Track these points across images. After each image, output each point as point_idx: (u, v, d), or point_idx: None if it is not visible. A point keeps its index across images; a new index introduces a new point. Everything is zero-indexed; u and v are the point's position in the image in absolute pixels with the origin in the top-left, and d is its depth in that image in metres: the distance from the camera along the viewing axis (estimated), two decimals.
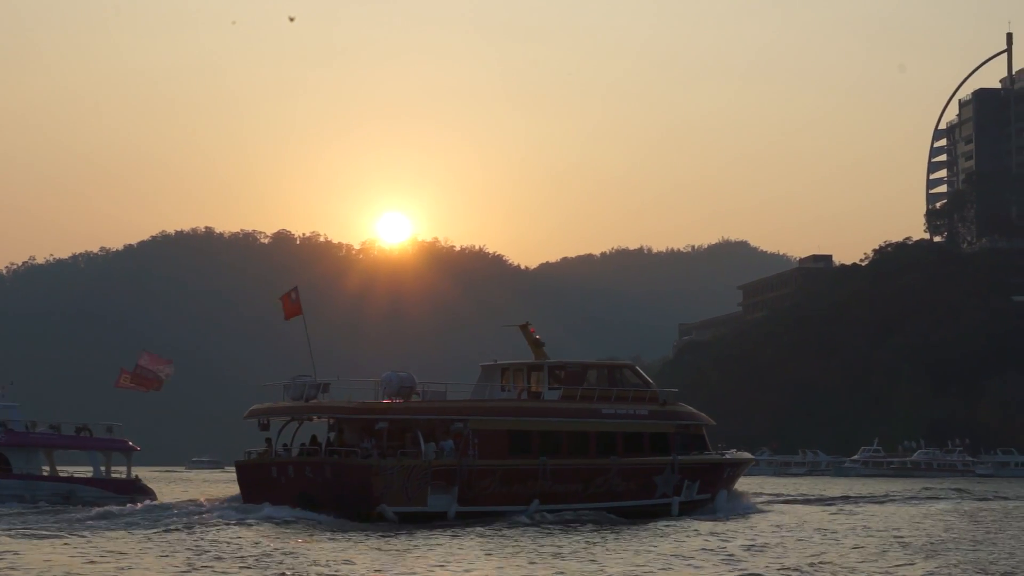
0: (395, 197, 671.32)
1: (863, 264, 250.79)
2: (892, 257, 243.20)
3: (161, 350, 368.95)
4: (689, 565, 37.14)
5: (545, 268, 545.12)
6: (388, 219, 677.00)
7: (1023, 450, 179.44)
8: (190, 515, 50.81)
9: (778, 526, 52.77)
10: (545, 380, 59.42)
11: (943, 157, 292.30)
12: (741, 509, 61.29)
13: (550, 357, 63.06)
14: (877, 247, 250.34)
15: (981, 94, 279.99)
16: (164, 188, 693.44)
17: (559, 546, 42.39)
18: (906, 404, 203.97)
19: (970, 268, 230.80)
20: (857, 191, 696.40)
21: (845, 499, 79.64)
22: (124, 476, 75.67)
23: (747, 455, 70.51)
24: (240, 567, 34.87)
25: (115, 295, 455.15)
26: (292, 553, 38.64)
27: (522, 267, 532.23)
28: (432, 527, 49.20)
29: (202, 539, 42.45)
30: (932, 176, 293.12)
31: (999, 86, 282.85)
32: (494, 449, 55.42)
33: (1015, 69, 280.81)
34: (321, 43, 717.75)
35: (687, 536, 47.19)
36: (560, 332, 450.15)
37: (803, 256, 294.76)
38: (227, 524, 47.55)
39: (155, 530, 45.36)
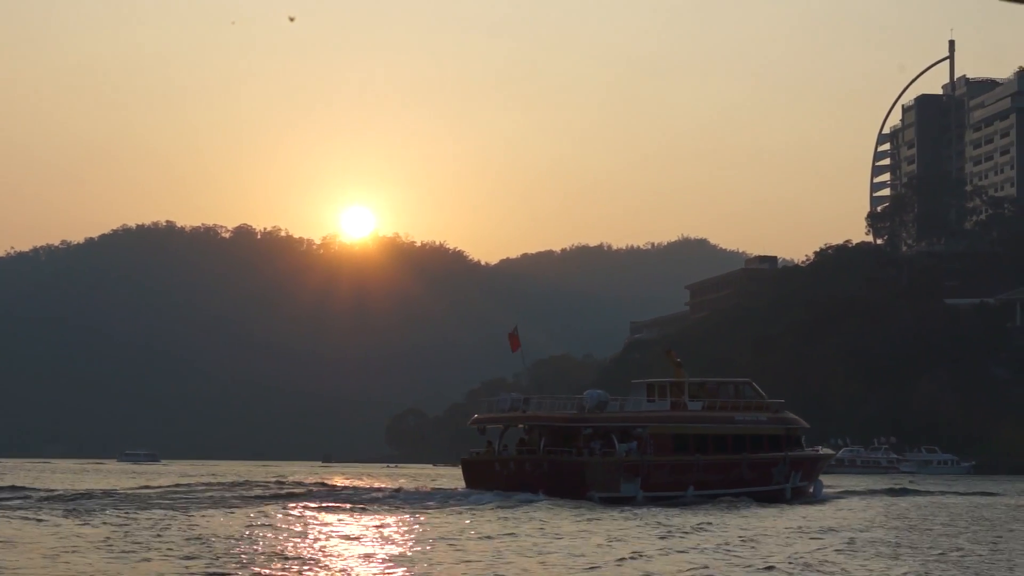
0: (358, 191, 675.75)
1: (804, 265, 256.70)
2: (832, 259, 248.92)
3: (120, 342, 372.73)
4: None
5: (505, 264, 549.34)
6: (351, 213, 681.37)
7: (947, 448, 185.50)
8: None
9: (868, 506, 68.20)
10: (686, 394, 73.35)
11: (887, 161, 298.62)
12: (831, 495, 77.66)
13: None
14: (818, 249, 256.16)
15: (923, 100, 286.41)
16: (125, 182, 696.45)
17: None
18: (840, 402, 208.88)
19: (906, 270, 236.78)
20: (815, 192, 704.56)
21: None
22: None
23: (831, 451, 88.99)
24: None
25: (76, 288, 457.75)
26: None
27: (483, 263, 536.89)
28: (632, 506, 63.14)
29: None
30: (876, 180, 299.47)
31: (941, 92, 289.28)
32: (664, 448, 69.95)
33: (956, 76, 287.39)
34: (284, 35, 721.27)
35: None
36: (519, 326, 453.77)
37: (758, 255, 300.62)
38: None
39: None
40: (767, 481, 73.18)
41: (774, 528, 48.08)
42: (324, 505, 57.14)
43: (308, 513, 52.00)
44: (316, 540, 38.65)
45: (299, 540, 38.50)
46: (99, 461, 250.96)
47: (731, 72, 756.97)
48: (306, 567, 31.10)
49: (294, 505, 56.61)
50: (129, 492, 67.89)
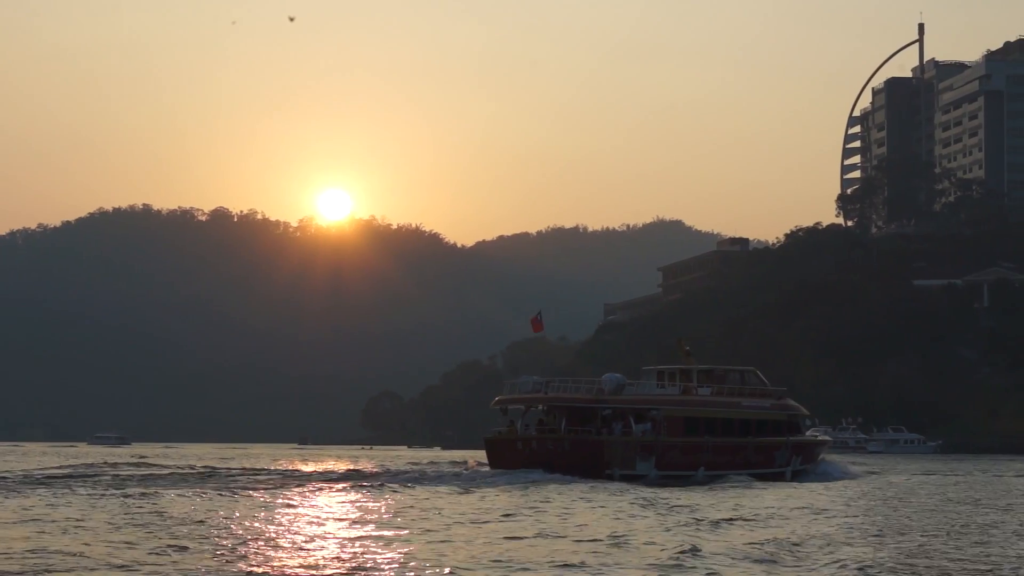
0: (335, 174, 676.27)
1: (774, 247, 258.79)
2: (802, 241, 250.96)
3: (98, 326, 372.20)
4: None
5: (481, 246, 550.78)
6: (328, 196, 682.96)
7: (914, 428, 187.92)
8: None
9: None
10: (695, 380, 77.31)
11: (857, 144, 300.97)
12: (831, 475, 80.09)
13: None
14: (789, 231, 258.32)
15: (893, 83, 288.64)
16: (102, 165, 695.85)
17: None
18: (809, 383, 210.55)
19: (875, 252, 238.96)
20: (789, 173, 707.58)
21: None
22: None
23: (827, 437, 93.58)
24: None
25: (53, 271, 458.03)
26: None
27: (459, 245, 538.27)
28: (646, 482, 67.33)
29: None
30: (846, 162, 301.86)
31: (911, 75, 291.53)
32: (676, 430, 73.88)
33: (926, 59, 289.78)
34: (261, 20, 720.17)
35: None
36: (495, 309, 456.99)
37: (730, 237, 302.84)
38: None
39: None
40: (770, 464, 77.19)
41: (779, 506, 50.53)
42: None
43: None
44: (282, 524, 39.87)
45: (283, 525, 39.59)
46: (70, 444, 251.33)
47: (706, 56, 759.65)
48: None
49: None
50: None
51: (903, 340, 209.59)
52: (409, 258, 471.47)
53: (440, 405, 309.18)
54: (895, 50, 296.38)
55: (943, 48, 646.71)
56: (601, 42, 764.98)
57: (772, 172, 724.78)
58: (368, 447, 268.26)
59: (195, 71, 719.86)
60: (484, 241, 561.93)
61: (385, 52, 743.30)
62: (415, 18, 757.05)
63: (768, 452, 77.52)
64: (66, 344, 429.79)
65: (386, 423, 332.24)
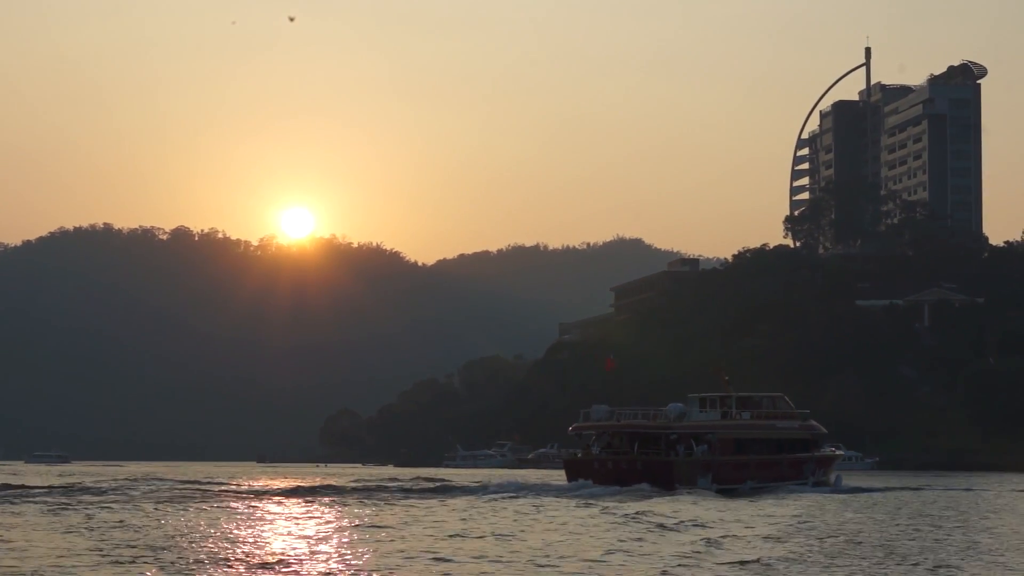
0: (297, 192, 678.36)
1: (721, 268, 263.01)
2: (750, 262, 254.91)
3: (59, 346, 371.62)
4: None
5: (442, 265, 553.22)
6: (291, 215, 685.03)
7: (853, 446, 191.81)
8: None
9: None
10: (733, 406, 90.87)
11: (806, 166, 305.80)
12: (842, 486, 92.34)
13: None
14: (736, 252, 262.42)
15: (840, 106, 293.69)
16: (63, 184, 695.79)
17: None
18: None
19: (820, 273, 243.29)
20: (749, 193, 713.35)
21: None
22: None
23: (841, 452, 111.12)
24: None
25: (13, 290, 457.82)
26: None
27: (419, 263, 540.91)
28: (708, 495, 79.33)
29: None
30: (795, 184, 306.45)
31: (858, 98, 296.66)
32: (728, 450, 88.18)
33: (872, 82, 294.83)
34: (221, 38, 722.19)
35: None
36: (455, 327, 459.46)
37: (680, 258, 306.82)
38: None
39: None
40: (799, 476, 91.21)
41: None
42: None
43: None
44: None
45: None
46: (9, 463, 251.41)
47: (663, 77, 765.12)
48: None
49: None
50: None
51: (845, 359, 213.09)
52: (370, 277, 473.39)
53: (396, 423, 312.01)
54: (843, 73, 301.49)
55: (889, 71, 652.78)
56: (562, 60, 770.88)
57: (731, 192, 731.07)
58: (323, 465, 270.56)
59: (154, 92, 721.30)
60: (445, 260, 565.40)
61: (347, 70, 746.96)
62: (375, 36, 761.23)
63: (798, 466, 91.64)
64: (21, 361, 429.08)
65: (344, 441, 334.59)
